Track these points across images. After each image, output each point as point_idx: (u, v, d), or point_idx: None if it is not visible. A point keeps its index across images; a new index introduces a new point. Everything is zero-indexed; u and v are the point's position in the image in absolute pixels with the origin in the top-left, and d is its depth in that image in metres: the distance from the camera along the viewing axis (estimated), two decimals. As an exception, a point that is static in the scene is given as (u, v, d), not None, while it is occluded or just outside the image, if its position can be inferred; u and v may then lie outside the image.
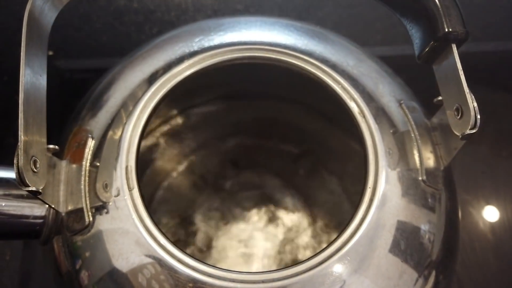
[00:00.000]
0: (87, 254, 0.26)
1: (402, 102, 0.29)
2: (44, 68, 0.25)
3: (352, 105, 0.28)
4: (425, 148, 0.28)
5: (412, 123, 0.28)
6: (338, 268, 0.24)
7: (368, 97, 0.28)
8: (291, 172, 0.45)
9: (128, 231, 0.24)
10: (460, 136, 0.24)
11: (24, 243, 0.44)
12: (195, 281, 0.23)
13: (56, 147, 0.25)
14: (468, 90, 0.24)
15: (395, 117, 0.28)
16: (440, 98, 0.27)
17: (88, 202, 0.25)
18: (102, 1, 0.57)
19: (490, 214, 0.47)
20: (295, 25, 0.32)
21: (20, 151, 0.21)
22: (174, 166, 0.45)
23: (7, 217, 0.26)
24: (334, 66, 0.29)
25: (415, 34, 0.26)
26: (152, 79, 0.29)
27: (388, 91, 0.29)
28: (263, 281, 0.23)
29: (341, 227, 0.42)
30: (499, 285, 0.44)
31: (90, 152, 0.26)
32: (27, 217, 0.26)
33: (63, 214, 0.26)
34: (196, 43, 0.30)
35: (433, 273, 0.27)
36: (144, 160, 0.41)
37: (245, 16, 0.33)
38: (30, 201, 0.26)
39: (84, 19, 0.55)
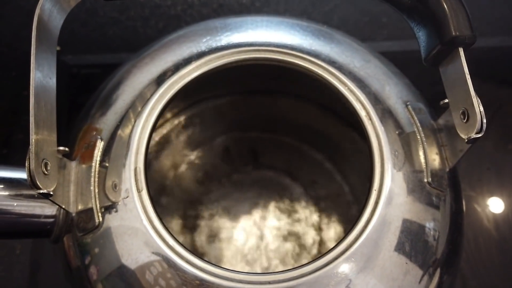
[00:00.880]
0: (96, 251, 0.26)
1: (408, 103, 0.29)
2: (54, 70, 0.25)
3: (359, 107, 0.28)
4: (430, 150, 0.28)
5: (418, 124, 0.29)
6: (344, 268, 0.25)
7: (375, 99, 0.28)
8: (298, 168, 0.45)
9: (137, 232, 0.25)
10: (466, 140, 0.24)
11: (34, 237, 0.45)
12: (202, 282, 0.24)
13: (66, 149, 0.25)
14: (474, 94, 0.24)
15: (401, 119, 0.29)
16: (446, 100, 0.27)
17: (97, 202, 0.26)
18: (108, -5, 0.56)
19: (495, 210, 0.47)
20: (301, 25, 0.32)
21: (31, 154, 0.22)
22: (179, 161, 0.45)
23: (18, 216, 0.26)
24: (340, 68, 0.29)
25: (422, 37, 0.26)
26: (160, 80, 0.29)
27: (394, 93, 0.29)
28: (269, 282, 0.23)
29: (345, 222, 0.42)
30: (502, 281, 0.44)
31: (99, 153, 0.27)
32: (38, 216, 0.26)
33: (73, 214, 0.26)
34: (204, 44, 0.30)
35: (438, 271, 0.27)
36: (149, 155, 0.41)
37: (251, 16, 0.33)
38: (41, 201, 0.26)
39: (90, 13, 0.56)
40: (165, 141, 0.43)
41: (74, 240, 0.27)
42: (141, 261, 0.25)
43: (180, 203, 0.44)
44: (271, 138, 0.45)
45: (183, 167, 0.45)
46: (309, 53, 0.29)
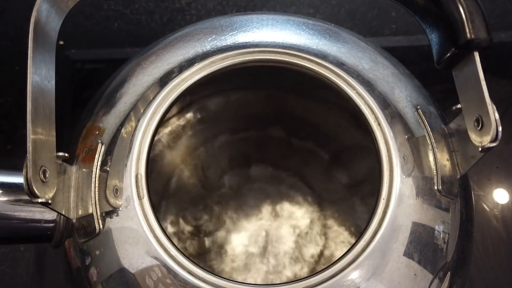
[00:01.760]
0: (97, 254, 0.26)
1: (418, 107, 0.28)
2: (53, 73, 0.25)
3: (367, 112, 0.27)
4: (441, 155, 0.27)
5: (429, 129, 0.28)
6: (352, 278, 0.24)
7: (384, 103, 0.27)
8: (304, 167, 0.44)
9: (138, 240, 0.24)
10: (480, 149, 0.23)
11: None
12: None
13: (66, 154, 0.25)
14: (490, 102, 0.23)
15: (411, 123, 0.28)
16: (459, 106, 0.26)
17: (98, 209, 0.25)
18: (112, -12, 0.56)
19: (504, 210, 0.46)
20: (307, 23, 0.31)
21: (29, 162, 0.21)
22: (181, 160, 0.44)
23: (18, 222, 0.26)
24: (348, 70, 0.28)
25: (435, 39, 0.25)
26: (163, 81, 0.28)
27: (404, 96, 0.28)
28: (273, 294, 0.23)
29: (351, 225, 0.42)
30: (511, 283, 0.44)
31: (100, 158, 0.26)
32: (38, 221, 0.26)
33: (74, 221, 0.26)
34: (209, 43, 0.30)
35: (448, 275, 0.27)
36: (152, 153, 0.40)
37: (257, 14, 0.32)
38: (41, 206, 0.26)
39: (94, 7, 0.55)
40: (166, 139, 0.43)
41: (75, 245, 0.27)
42: (141, 267, 0.24)
43: (183, 203, 0.43)
44: (277, 137, 0.44)
45: (185, 166, 0.44)
46: (316, 54, 0.29)
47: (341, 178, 0.43)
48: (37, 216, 0.26)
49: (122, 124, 0.27)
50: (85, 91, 0.51)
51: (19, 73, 0.52)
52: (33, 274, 0.44)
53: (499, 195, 0.47)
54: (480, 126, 0.23)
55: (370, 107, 0.27)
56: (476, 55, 0.23)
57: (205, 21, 0.33)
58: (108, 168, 0.26)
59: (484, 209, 0.46)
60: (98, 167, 0.26)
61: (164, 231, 0.24)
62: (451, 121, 0.28)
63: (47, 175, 0.23)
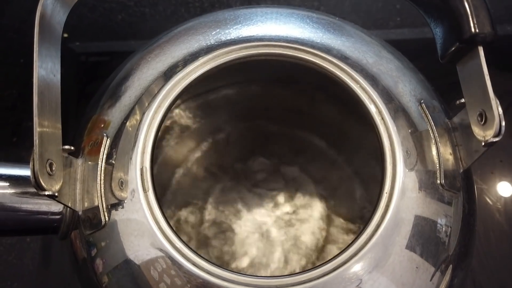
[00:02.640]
0: (103, 245, 0.26)
1: (422, 101, 0.28)
2: (58, 67, 0.25)
3: (371, 106, 0.27)
4: (444, 149, 0.27)
5: (432, 123, 0.28)
6: (354, 270, 0.24)
7: (387, 97, 0.27)
8: (306, 160, 0.44)
9: (143, 232, 0.25)
10: (483, 143, 0.23)
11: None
12: (206, 283, 0.24)
13: (72, 147, 0.25)
14: (493, 96, 0.23)
15: (415, 117, 0.28)
16: (462, 100, 0.26)
17: (103, 201, 0.26)
18: (116, -19, 0.56)
19: (507, 204, 0.46)
20: (312, 17, 0.31)
21: (36, 155, 0.22)
22: (185, 152, 0.45)
23: (25, 214, 0.26)
24: (352, 64, 0.28)
25: (439, 33, 0.25)
26: (168, 75, 0.28)
27: (408, 90, 0.28)
28: (276, 287, 0.23)
29: (355, 218, 0.42)
30: (513, 276, 0.44)
31: (105, 151, 0.27)
32: (45, 213, 0.26)
33: (80, 213, 0.26)
34: (213, 36, 0.30)
35: (450, 268, 0.27)
36: (157, 146, 0.41)
37: (261, 7, 0.32)
38: (48, 198, 0.26)
39: (98, -1, 0.55)
40: (171, 133, 0.43)
41: (81, 237, 0.27)
42: (146, 259, 0.25)
43: (187, 196, 0.43)
44: (280, 130, 0.45)
45: (189, 159, 0.44)
46: (320, 48, 0.29)
47: (344, 171, 0.43)
48: (44, 208, 0.26)
49: (127, 118, 0.27)
50: (89, 84, 0.51)
51: (24, 65, 0.52)
52: (39, 265, 0.45)
53: (502, 189, 0.47)
54: (483, 121, 0.23)
55: (374, 101, 0.27)
56: (481, 50, 0.23)
57: (209, 14, 0.33)
58: (113, 161, 0.27)
59: (487, 203, 0.46)
60: (104, 160, 0.26)
61: (168, 223, 0.25)
62: (454, 115, 0.28)
63: (53, 168, 0.23)
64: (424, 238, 0.26)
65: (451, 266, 0.27)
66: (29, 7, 0.54)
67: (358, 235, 0.25)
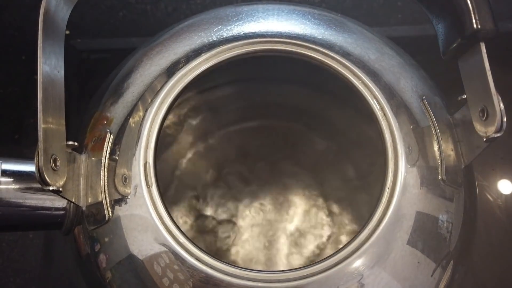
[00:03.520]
0: (106, 241, 0.26)
1: (424, 97, 0.28)
2: (62, 63, 0.25)
3: (373, 102, 0.27)
4: (446, 145, 0.27)
5: (434, 119, 0.28)
6: (356, 265, 0.25)
7: (389, 93, 0.28)
8: (308, 157, 0.45)
9: (147, 228, 0.25)
10: (484, 139, 0.23)
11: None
12: (209, 278, 0.24)
13: (76, 143, 0.25)
14: (495, 92, 0.23)
15: (417, 114, 0.28)
16: (464, 96, 0.26)
17: (107, 196, 0.26)
18: (118, -23, 0.56)
19: (508, 201, 0.46)
20: (313, 13, 0.31)
21: (40, 150, 0.22)
22: (189, 149, 0.45)
23: (29, 209, 0.26)
24: (354, 61, 0.28)
25: (441, 30, 0.25)
26: (170, 71, 0.28)
27: (410, 86, 0.28)
28: (278, 281, 0.23)
29: (356, 214, 0.42)
30: (513, 273, 0.44)
31: (109, 147, 0.27)
32: (48, 209, 0.26)
33: (84, 208, 0.26)
34: (215, 33, 0.30)
35: (451, 264, 0.27)
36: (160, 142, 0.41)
37: (262, 4, 0.32)
38: (51, 193, 0.26)
39: (100, -5, 0.55)
40: (174, 129, 0.43)
41: (84, 232, 0.27)
42: (149, 254, 0.25)
43: (189, 191, 0.44)
44: (282, 126, 0.45)
45: (192, 155, 0.44)
46: (322, 44, 0.29)
47: (346, 167, 0.43)
48: (48, 203, 0.26)
49: (130, 114, 0.27)
50: (91, 81, 0.51)
51: (26, 62, 0.52)
52: (42, 260, 0.45)
53: (503, 186, 0.47)
54: (485, 117, 0.24)
55: (376, 98, 0.27)
56: (482, 46, 0.24)
57: (211, 11, 0.33)
58: (116, 157, 0.27)
59: (488, 199, 0.46)
60: (107, 156, 0.26)
61: (172, 218, 0.25)
62: (456, 111, 0.28)
63: (57, 164, 0.23)
64: (425, 234, 0.26)
65: (452, 261, 0.27)
66: (31, 4, 0.54)
67: (360, 230, 0.25)
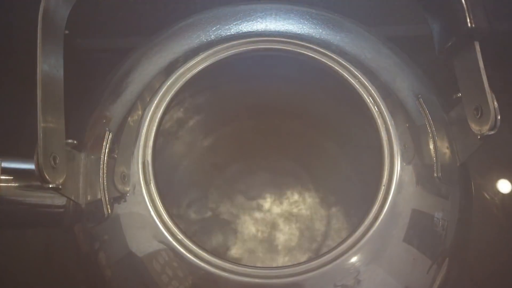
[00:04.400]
0: (105, 238, 0.27)
1: (420, 96, 0.29)
2: (61, 62, 0.25)
3: (369, 101, 0.27)
4: (441, 143, 0.28)
5: (429, 117, 0.28)
6: (352, 262, 0.25)
7: (386, 92, 0.28)
8: (307, 155, 0.45)
9: (146, 225, 0.25)
10: (479, 137, 0.24)
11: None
12: (209, 274, 0.24)
13: (75, 141, 0.25)
14: (489, 90, 0.23)
15: (412, 112, 0.28)
16: (459, 95, 0.26)
17: (106, 194, 0.26)
18: (116, -23, 0.56)
19: (504, 199, 0.46)
20: (311, 13, 0.32)
21: (40, 148, 0.22)
22: (188, 148, 0.45)
23: (29, 207, 0.26)
24: (351, 60, 0.28)
25: (437, 28, 0.25)
26: (169, 70, 0.29)
27: (406, 85, 0.29)
28: (276, 277, 0.24)
29: (353, 212, 0.43)
30: (510, 271, 0.44)
31: (108, 146, 0.27)
32: (48, 207, 0.27)
33: (83, 206, 0.26)
34: (213, 32, 0.30)
35: (446, 261, 0.28)
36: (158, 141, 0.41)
37: (260, 4, 0.32)
38: (51, 191, 0.26)
39: (98, -6, 0.55)
40: (172, 127, 0.43)
41: (84, 230, 0.28)
42: (148, 251, 0.25)
43: (188, 189, 0.44)
44: (279, 125, 0.45)
45: (190, 154, 0.45)
46: (319, 43, 0.29)
47: (343, 164, 0.43)
48: (47, 201, 0.27)
49: (128, 113, 0.28)
50: (90, 80, 0.51)
51: (25, 61, 0.52)
52: (42, 258, 0.45)
53: (500, 184, 0.47)
54: (479, 115, 0.24)
55: (372, 96, 0.28)
56: (477, 44, 0.24)
57: (209, 10, 0.33)
58: (115, 155, 0.27)
59: (484, 198, 0.47)
60: (106, 154, 0.27)
61: (170, 215, 0.25)
62: (451, 109, 0.28)
63: (57, 161, 0.23)
64: (421, 231, 0.26)
65: (447, 258, 0.28)
66: (29, 3, 0.54)
67: (356, 227, 0.25)
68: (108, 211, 0.26)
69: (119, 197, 0.26)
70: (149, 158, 0.26)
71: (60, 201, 0.27)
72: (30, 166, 0.26)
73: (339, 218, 0.43)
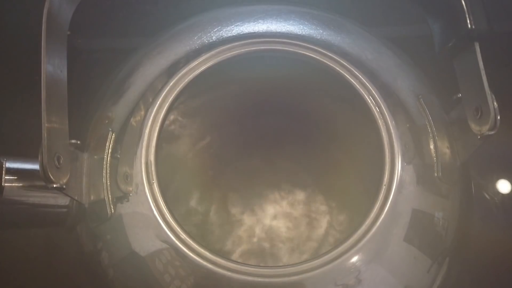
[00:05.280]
0: (108, 238, 0.27)
1: (420, 96, 0.29)
2: (65, 62, 0.25)
3: (370, 101, 0.28)
4: (442, 143, 0.28)
5: (430, 118, 0.28)
6: (353, 261, 0.25)
7: (386, 92, 0.28)
8: (308, 156, 0.45)
9: (149, 224, 0.25)
10: (479, 137, 0.24)
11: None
12: (211, 273, 0.24)
13: (78, 142, 0.26)
14: (489, 91, 0.23)
15: (413, 112, 0.28)
16: (459, 95, 0.26)
17: (109, 195, 0.26)
18: (117, -23, 0.56)
19: (505, 199, 0.47)
20: (312, 14, 0.32)
21: (44, 148, 0.22)
22: (190, 148, 0.45)
23: (32, 207, 0.27)
24: (352, 60, 0.29)
25: (437, 29, 0.26)
26: (171, 71, 0.29)
27: (406, 85, 0.29)
28: (278, 276, 0.24)
29: (354, 212, 0.43)
30: (510, 271, 0.44)
31: (111, 145, 0.27)
32: (51, 207, 0.27)
33: (86, 206, 0.27)
34: (215, 33, 0.30)
35: (447, 260, 0.28)
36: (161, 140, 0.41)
37: (261, 5, 0.32)
38: (54, 191, 0.26)
39: (100, -5, 0.55)
40: (174, 128, 0.43)
41: (87, 229, 0.28)
42: (151, 251, 0.25)
43: (190, 189, 0.44)
44: (281, 125, 0.45)
45: (192, 154, 0.45)
46: (320, 44, 0.29)
47: (343, 164, 0.44)
48: (51, 201, 0.27)
49: (131, 113, 0.28)
50: (92, 81, 0.52)
51: (29, 62, 0.52)
52: (45, 258, 0.45)
53: (500, 184, 0.47)
54: (479, 115, 0.24)
55: (373, 97, 0.28)
56: (477, 45, 0.24)
57: (210, 11, 0.33)
58: (118, 155, 0.27)
59: (484, 197, 0.47)
60: (109, 155, 0.27)
61: (173, 215, 0.25)
62: (452, 109, 0.29)
63: (61, 161, 0.23)
64: (421, 230, 0.27)
65: (448, 258, 0.28)
66: (33, 4, 0.54)
67: (357, 226, 0.25)
68: (111, 210, 0.26)
69: (122, 197, 0.26)
70: (152, 158, 0.26)
71: (63, 201, 0.27)
72: (34, 166, 0.26)
73: (340, 217, 0.43)
